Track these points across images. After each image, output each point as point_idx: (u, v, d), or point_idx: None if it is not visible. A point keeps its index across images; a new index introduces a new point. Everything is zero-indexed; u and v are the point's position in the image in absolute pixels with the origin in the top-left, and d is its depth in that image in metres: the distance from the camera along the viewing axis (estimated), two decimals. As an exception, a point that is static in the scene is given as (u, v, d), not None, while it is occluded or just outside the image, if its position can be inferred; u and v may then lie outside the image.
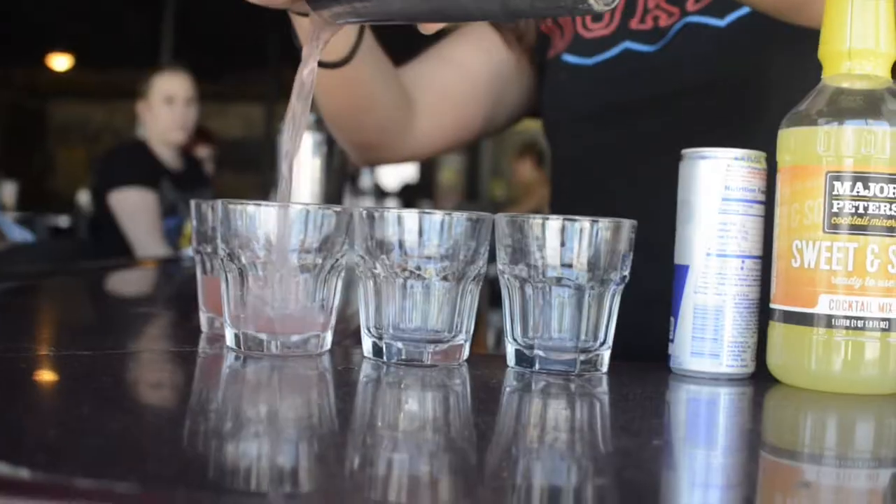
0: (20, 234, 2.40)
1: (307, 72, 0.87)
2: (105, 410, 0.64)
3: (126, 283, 1.91)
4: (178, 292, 1.82)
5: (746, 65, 1.14)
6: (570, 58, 1.27)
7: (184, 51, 7.89)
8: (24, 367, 0.78)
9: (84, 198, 8.74)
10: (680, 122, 1.17)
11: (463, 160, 10.99)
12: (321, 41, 0.87)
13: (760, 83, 1.13)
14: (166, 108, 3.46)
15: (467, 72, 1.34)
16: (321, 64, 1.08)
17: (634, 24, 1.22)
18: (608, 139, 1.24)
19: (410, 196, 7.07)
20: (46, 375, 0.75)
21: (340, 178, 1.59)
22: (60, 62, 11.32)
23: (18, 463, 0.48)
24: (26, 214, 5.98)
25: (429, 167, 10.92)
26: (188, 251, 2.66)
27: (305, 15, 0.97)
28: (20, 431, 0.55)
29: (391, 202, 4.37)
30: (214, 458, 0.55)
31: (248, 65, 11.05)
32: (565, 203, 1.32)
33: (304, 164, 1.57)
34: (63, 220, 6.66)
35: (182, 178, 3.51)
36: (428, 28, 0.83)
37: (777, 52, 1.12)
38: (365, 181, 3.43)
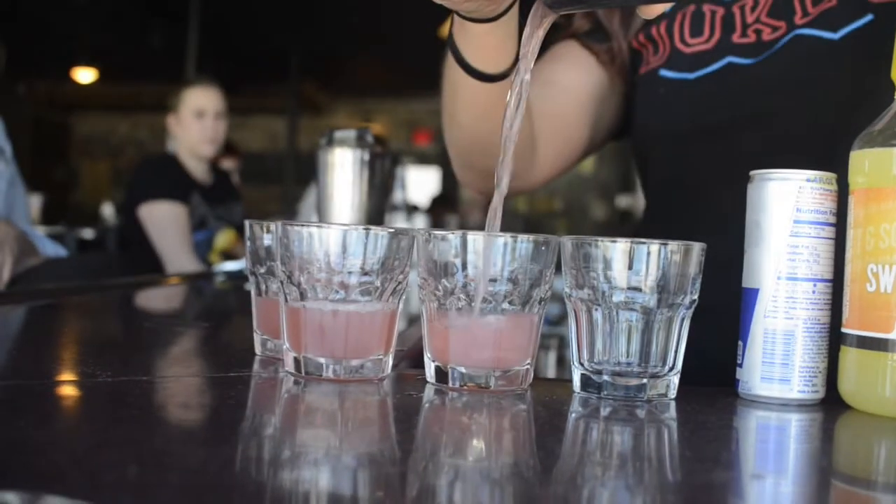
0: (53, 249, 2.39)
1: (524, 69, 0.89)
2: (178, 443, 0.62)
3: (163, 300, 1.90)
4: (220, 310, 1.81)
5: (858, 78, 1.13)
6: (667, 73, 1.26)
7: (206, 64, 7.92)
8: (84, 394, 0.77)
9: (108, 210, 8.79)
10: (784, 137, 1.15)
11: (485, 173, 10.94)
12: (541, 30, 0.88)
13: (869, 98, 1.11)
14: (196, 122, 3.46)
15: (572, 93, 1.33)
16: (482, 75, 1.08)
17: (736, 38, 1.20)
18: (710, 154, 1.22)
19: (437, 211, 7.05)
20: (111, 404, 0.74)
21: (382, 194, 1.58)
22: (84, 75, 11.38)
23: (102, 503, 0.47)
24: (56, 228, 5.99)
25: (452, 182, 10.91)
26: (220, 266, 2.65)
27: (474, 20, 0.97)
28: (100, 468, 0.54)
29: (420, 217, 4.37)
30: (295, 489, 0.54)
31: (270, 78, 11.09)
32: (662, 220, 1.30)
33: (346, 182, 1.55)
34: (87, 233, 6.67)
35: (212, 192, 3.51)
36: (650, 11, 0.82)
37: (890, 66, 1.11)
38: (397, 197, 3.41)
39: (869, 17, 1.12)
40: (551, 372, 3.13)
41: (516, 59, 1.11)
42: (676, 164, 1.28)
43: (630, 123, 1.36)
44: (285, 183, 11.28)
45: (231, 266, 2.55)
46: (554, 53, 1.35)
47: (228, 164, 4.65)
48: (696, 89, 1.22)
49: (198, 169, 3.50)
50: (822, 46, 1.13)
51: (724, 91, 1.20)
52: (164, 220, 3.29)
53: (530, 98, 1.27)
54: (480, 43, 1.06)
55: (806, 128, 1.14)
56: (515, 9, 1.02)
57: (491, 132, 1.17)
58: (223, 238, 3.42)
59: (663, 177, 1.32)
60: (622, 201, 10.60)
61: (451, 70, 1.12)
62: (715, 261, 0.95)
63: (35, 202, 6.73)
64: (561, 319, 3.17)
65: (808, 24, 1.14)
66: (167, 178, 3.41)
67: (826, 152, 0.91)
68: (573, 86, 1.32)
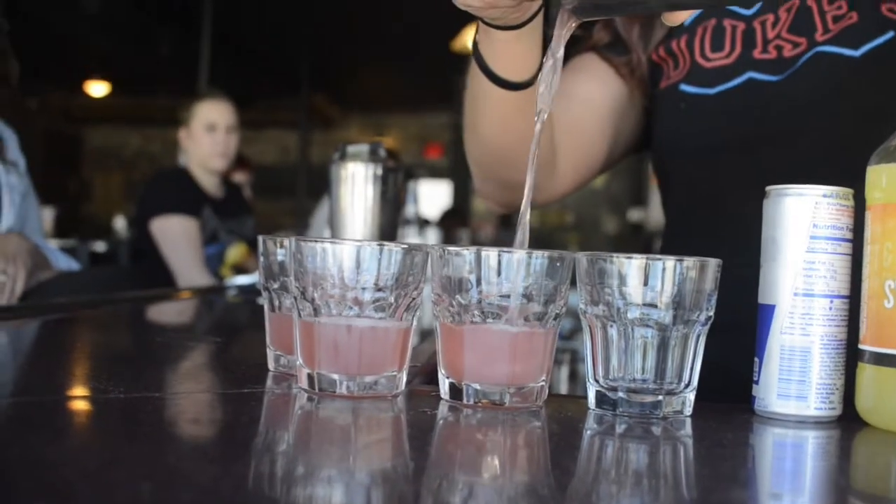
0: (66, 263, 2.40)
1: (549, 67, 0.91)
2: (191, 460, 0.62)
3: (175, 314, 1.90)
4: (232, 325, 1.81)
5: (880, 95, 1.12)
6: (688, 87, 1.25)
7: (218, 77, 7.94)
8: (96, 410, 0.77)
9: (120, 223, 8.81)
10: (805, 153, 1.15)
11: (497, 187, 10.95)
12: (564, 35, 0.90)
13: (890, 115, 1.10)
14: (208, 136, 3.46)
15: (591, 106, 1.32)
16: (507, 84, 1.08)
17: (757, 53, 1.20)
18: (731, 170, 1.22)
19: (448, 224, 7.05)
20: (123, 420, 0.73)
21: (395, 209, 1.58)
22: (97, 89, 11.43)
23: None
24: (69, 242, 6.01)
25: (463, 195, 10.92)
26: (232, 280, 2.65)
27: (500, 27, 0.98)
28: (112, 484, 0.53)
29: (432, 231, 4.37)
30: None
31: (282, 92, 11.13)
32: (684, 236, 1.30)
33: (358, 196, 1.55)
34: (100, 246, 6.69)
35: (223, 206, 3.51)
36: (674, 18, 0.83)
37: None
38: (409, 211, 3.41)
39: (890, 35, 1.11)
40: (563, 387, 3.12)
41: (540, 68, 1.11)
42: (697, 179, 1.27)
43: (650, 138, 1.36)
44: (297, 196, 11.30)
45: (243, 280, 2.55)
46: (573, 66, 1.35)
47: (240, 177, 4.66)
48: (717, 104, 1.22)
49: (209, 183, 3.51)
50: (844, 63, 1.13)
51: (745, 107, 1.20)
52: (175, 234, 3.30)
53: (550, 111, 1.27)
54: (505, 51, 1.07)
55: (827, 144, 1.14)
56: (540, 17, 1.02)
57: (513, 141, 1.17)
58: (235, 252, 3.42)
59: (684, 192, 1.31)
60: (634, 215, 10.59)
61: (475, 79, 1.13)
62: (738, 277, 0.95)
63: (48, 215, 6.75)
64: (573, 334, 3.16)
65: (829, 41, 1.14)
66: (179, 192, 3.41)
67: (848, 169, 0.91)
68: (592, 98, 1.32)
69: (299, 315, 0.84)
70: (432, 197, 9.99)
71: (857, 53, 1.12)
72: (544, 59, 0.92)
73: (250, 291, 2.27)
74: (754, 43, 1.20)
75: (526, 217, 0.89)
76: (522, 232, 0.88)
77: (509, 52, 1.07)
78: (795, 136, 1.16)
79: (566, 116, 1.27)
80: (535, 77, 1.10)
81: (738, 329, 0.94)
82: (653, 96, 1.33)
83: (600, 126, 1.32)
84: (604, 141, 1.33)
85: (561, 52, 0.91)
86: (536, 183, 1.27)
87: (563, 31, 0.91)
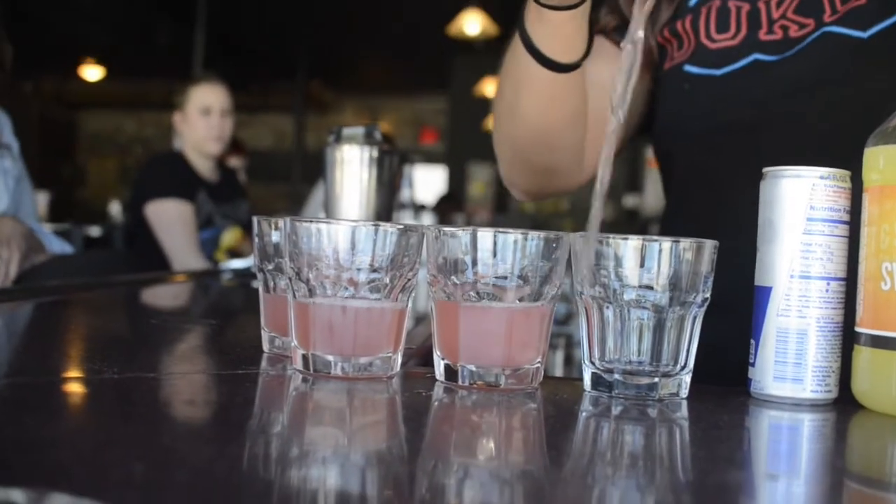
0: (60, 246, 2.39)
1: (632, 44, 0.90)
2: (185, 440, 0.62)
3: (170, 297, 1.90)
4: (227, 308, 1.81)
5: (887, 78, 1.12)
6: (692, 68, 1.24)
7: (213, 61, 7.93)
8: (90, 391, 0.77)
9: (115, 208, 8.80)
10: (811, 135, 1.14)
11: (492, 172, 10.98)
12: (644, 13, 0.90)
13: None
14: (202, 120, 3.45)
15: (606, 90, 1.31)
16: (556, 65, 1.09)
17: (763, 34, 1.19)
18: (735, 151, 1.21)
19: (442, 209, 7.05)
20: (117, 401, 0.73)
21: (390, 192, 1.57)
22: (92, 73, 11.40)
23: (109, 501, 0.46)
24: (63, 226, 5.99)
25: (459, 180, 10.92)
26: (227, 264, 2.64)
27: (555, 8, 0.99)
28: (106, 465, 0.53)
29: (427, 216, 4.37)
30: (303, 488, 0.53)
31: (277, 76, 11.11)
32: (685, 217, 1.29)
33: (353, 179, 1.55)
34: (95, 231, 6.67)
35: (218, 190, 3.50)
36: None
37: None
38: (405, 195, 3.40)
39: None
40: (559, 371, 3.12)
41: (588, 50, 1.11)
42: (700, 160, 1.27)
43: (653, 118, 1.35)
44: (292, 181, 11.29)
45: (238, 264, 2.55)
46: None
47: (235, 161, 4.64)
48: (722, 86, 1.21)
49: (204, 167, 3.50)
50: (851, 45, 1.12)
51: (751, 88, 1.19)
52: (170, 219, 3.29)
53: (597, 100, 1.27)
54: (557, 32, 1.07)
55: (832, 126, 1.13)
56: None
57: (555, 123, 1.17)
58: (229, 236, 3.41)
59: (686, 173, 1.30)
60: (629, 201, 10.59)
61: (517, 60, 1.12)
62: (738, 259, 0.95)
63: (42, 199, 6.73)
64: (568, 318, 3.16)
65: (836, 22, 1.13)
66: (173, 176, 3.40)
67: (853, 151, 0.90)
68: (606, 82, 1.32)
69: (294, 296, 0.84)
70: (427, 182, 9.98)
71: (865, 35, 1.12)
72: (622, 45, 0.91)
73: (245, 275, 2.27)
74: (760, 24, 1.19)
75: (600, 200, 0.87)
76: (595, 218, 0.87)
77: (560, 34, 1.07)
78: (798, 118, 1.16)
79: (590, 104, 1.27)
80: (584, 59, 1.11)
81: (737, 312, 0.94)
82: (657, 78, 1.33)
83: None
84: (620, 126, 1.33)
85: (641, 34, 0.90)
86: (564, 169, 1.27)
87: (642, 9, 0.90)
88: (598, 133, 1.29)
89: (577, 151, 1.25)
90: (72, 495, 0.45)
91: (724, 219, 1.14)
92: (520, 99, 1.18)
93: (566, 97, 1.16)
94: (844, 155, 0.87)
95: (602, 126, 1.30)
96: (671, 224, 1.33)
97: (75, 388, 0.78)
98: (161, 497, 0.48)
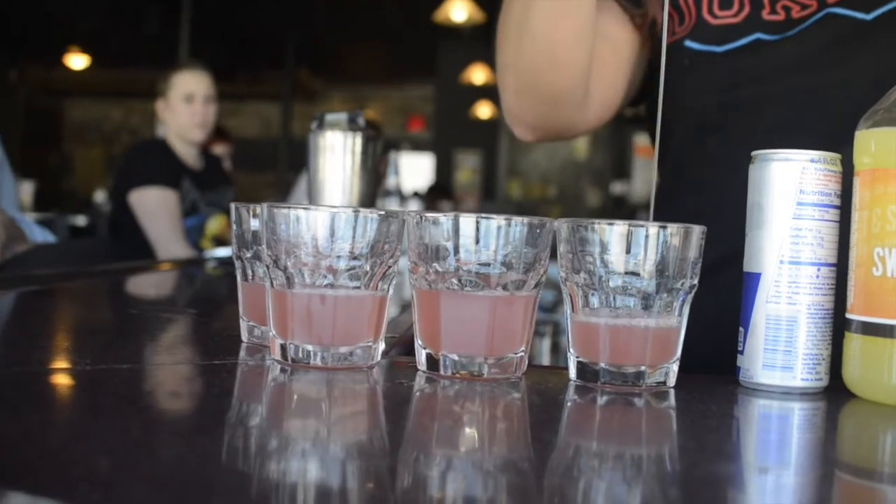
0: (41, 236, 2.36)
1: None
2: (153, 434, 0.60)
3: (152, 286, 1.88)
4: (209, 297, 1.79)
5: (890, 59, 1.10)
6: (693, 44, 1.23)
7: (200, 50, 7.89)
8: (60, 383, 0.75)
9: (101, 197, 8.76)
10: (811, 116, 1.13)
11: (479, 160, 10.98)
12: None
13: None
14: (186, 107, 3.43)
15: (614, 44, 1.31)
16: None
17: (765, 14, 1.18)
18: (733, 130, 1.20)
19: (431, 197, 7.04)
20: (86, 393, 0.71)
21: (374, 179, 1.55)
22: (77, 61, 11.35)
23: (72, 499, 0.44)
24: (47, 215, 5.96)
25: (446, 167, 10.91)
26: (212, 252, 2.62)
27: None
28: (69, 462, 0.51)
29: (414, 202, 4.35)
30: (281, 481, 0.51)
31: (264, 64, 11.09)
32: (680, 196, 1.28)
33: (336, 165, 1.53)
34: (80, 220, 6.65)
35: (203, 177, 3.48)
36: None
37: None
38: (391, 182, 3.38)
39: None
40: (546, 359, 3.11)
41: None
42: (697, 138, 1.26)
43: (648, 92, 1.34)
44: (279, 169, 11.27)
45: (223, 252, 2.53)
46: (601, 4, 1.33)
47: (220, 149, 4.62)
48: (723, 63, 1.21)
49: (188, 154, 3.47)
50: (854, 26, 1.12)
51: (752, 67, 1.18)
52: (154, 206, 3.26)
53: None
54: None
55: (833, 108, 1.12)
56: None
57: (564, 38, 1.18)
58: (215, 223, 3.39)
59: (682, 151, 1.29)
60: (616, 188, 10.60)
61: None
62: (737, 241, 0.93)
63: (27, 189, 6.71)
64: (555, 306, 3.15)
65: (840, 4, 1.13)
66: (157, 164, 3.37)
67: (853, 133, 0.89)
68: (616, 38, 1.32)
69: (272, 284, 0.82)
70: (414, 169, 9.97)
71: (868, 17, 1.11)
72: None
73: (230, 263, 2.25)
74: (762, 3, 1.19)
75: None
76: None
77: None
78: (799, 98, 1.15)
79: (596, 51, 1.26)
80: None
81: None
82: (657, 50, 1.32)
83: (622, 66, 1.31)
84: (624, 81, 1.32)
85: None
86: (570, 97, 1.26)
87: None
88: (604, 83, 1.30)
89: (584, 75, 1.24)
90: (30, 494, 0.43)
91: (722, 197, 1.13)
92: (530, 10, 1.18)
93: (575, 9, 1.15)
94: (847, 136, 0.85)
95: (609, 78, 1.30)
96: (665, 202, 1.31)
97: (47, 381, 0.76)
98: (128, 493, 0.47)
